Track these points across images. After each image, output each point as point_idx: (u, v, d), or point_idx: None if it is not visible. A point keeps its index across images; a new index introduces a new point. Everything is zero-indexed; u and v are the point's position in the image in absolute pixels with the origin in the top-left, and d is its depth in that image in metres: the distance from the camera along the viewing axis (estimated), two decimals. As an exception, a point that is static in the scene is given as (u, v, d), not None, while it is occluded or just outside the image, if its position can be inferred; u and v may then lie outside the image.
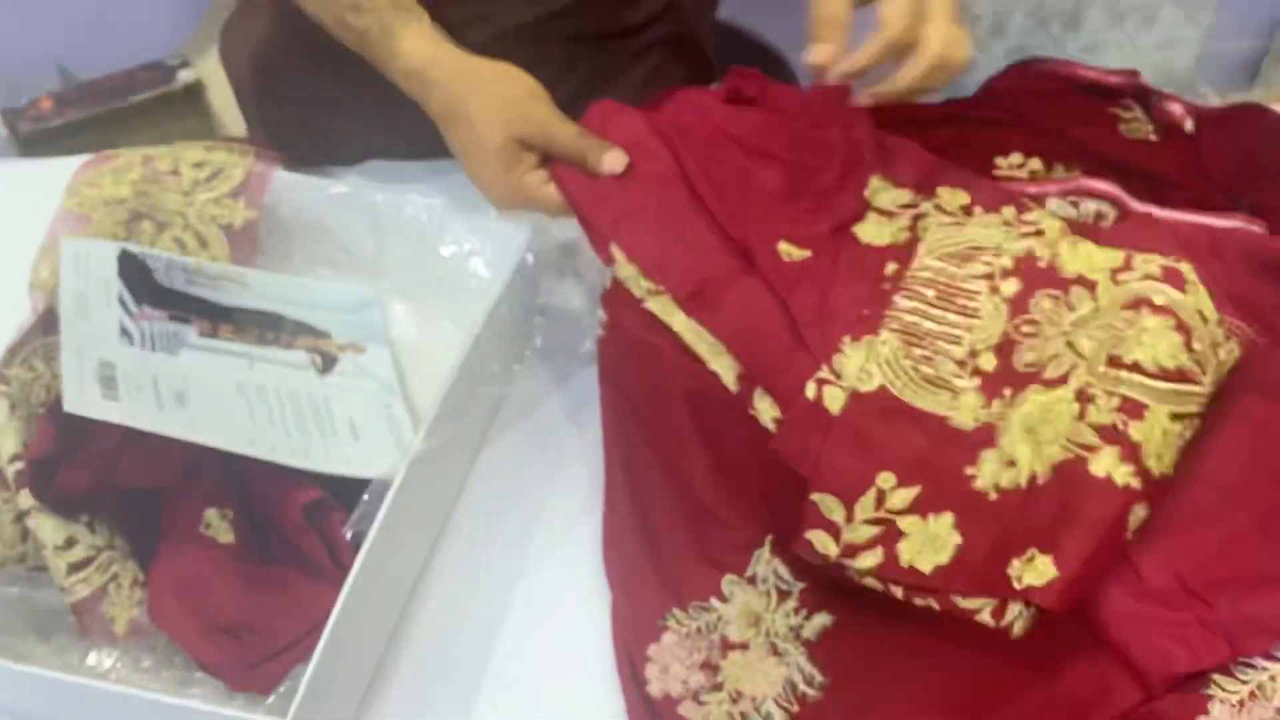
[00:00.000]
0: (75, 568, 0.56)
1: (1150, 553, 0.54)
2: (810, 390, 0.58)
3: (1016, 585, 0.51)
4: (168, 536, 0.56)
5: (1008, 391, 0.56)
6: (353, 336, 0.69)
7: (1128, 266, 0.59)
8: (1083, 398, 0.55)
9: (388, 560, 0.56)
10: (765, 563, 0.60)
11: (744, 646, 0.58)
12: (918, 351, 0.58)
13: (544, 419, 0.70)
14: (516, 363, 0.69)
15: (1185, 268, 0.58)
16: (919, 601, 0.53)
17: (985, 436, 0.55)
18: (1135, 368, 0.55)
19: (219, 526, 0.56)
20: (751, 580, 0.59)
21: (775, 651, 0.58)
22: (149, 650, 0.57)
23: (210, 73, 1.69)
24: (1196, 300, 0.57)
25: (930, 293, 0.60)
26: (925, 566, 0.53)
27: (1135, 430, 0.53)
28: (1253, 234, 0.68)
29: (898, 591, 0.53)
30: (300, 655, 0.54)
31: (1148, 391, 0.54)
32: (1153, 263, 0.59)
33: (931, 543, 0.53)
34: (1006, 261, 0.60)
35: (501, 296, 0.65)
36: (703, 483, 0.61)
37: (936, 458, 0.55)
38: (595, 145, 0.66)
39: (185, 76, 1.64)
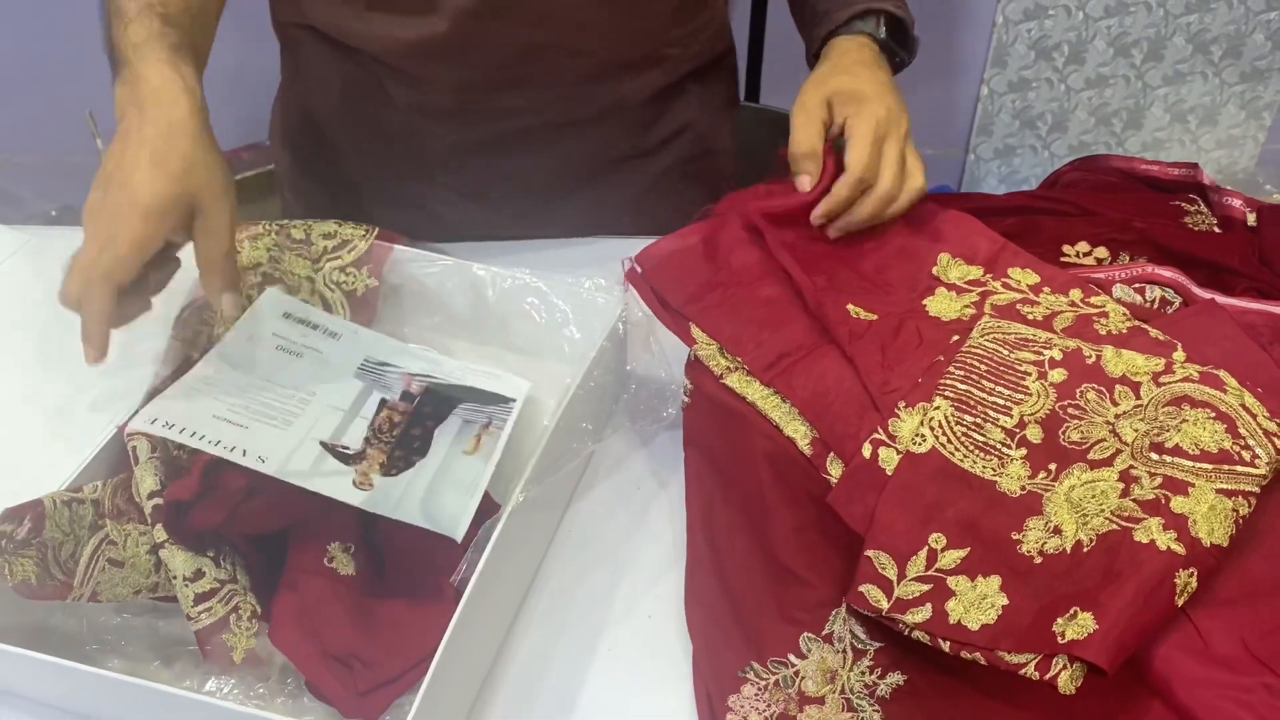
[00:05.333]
0: (201, 598, 0.60)
1: (1217, 620, 0.56)
2: (866, 450, 0.62)
3: (1060, 640, 0.53)
4: (295, 566, 0.61)
5: (1053, 466, 0.60)
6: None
7: (1168, 370, 0.63)
8: (1126, 478, 0.59)
9: (488, 601, 0.60)
10: (842, 622, 0.62)
11: (820, 701, 0.60)
12: (969, 418, 0.62)
13: (629, 477, 0.74)
14: (605, 424, 0.74)
15: (1223, 374, 0.62)
16: (965, 655, 0.55)
17: (1031, 504, 0.59)
18: (1176, 451, 0.59)
19: (341, 559, 0.60)
20: (828, 638, 0.62)
21: (850, 707, 0.60)
22: (262, 679, 0.61)
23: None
24: (1238, 397, 0.61)
25: (983, 366, 0.64)
26: (972, 624, 0.55)
27: (1178, 504, 0.57)
28: (1315, 321, 0.71)
29: (944, 645, 0.56)
30: (404, 687, 0.58)
31: (1190, 471, 0.58)
32: (1191, 368, 0.63)
33: (979, 603, 0.56)
34: (1055, 353, 0.65)
35: (595, 361, 0.70)
36: (783, 543, 0.65)
37: (985, 522, 0.58)
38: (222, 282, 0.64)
39: (285, 157, 1.77)
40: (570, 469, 0.70)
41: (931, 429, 0.62)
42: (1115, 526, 0.57)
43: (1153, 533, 0.56)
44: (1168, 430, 0.60)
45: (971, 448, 0.61)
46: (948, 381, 0.64)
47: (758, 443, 0.67)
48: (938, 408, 0.62)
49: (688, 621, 0.65)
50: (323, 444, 0.65)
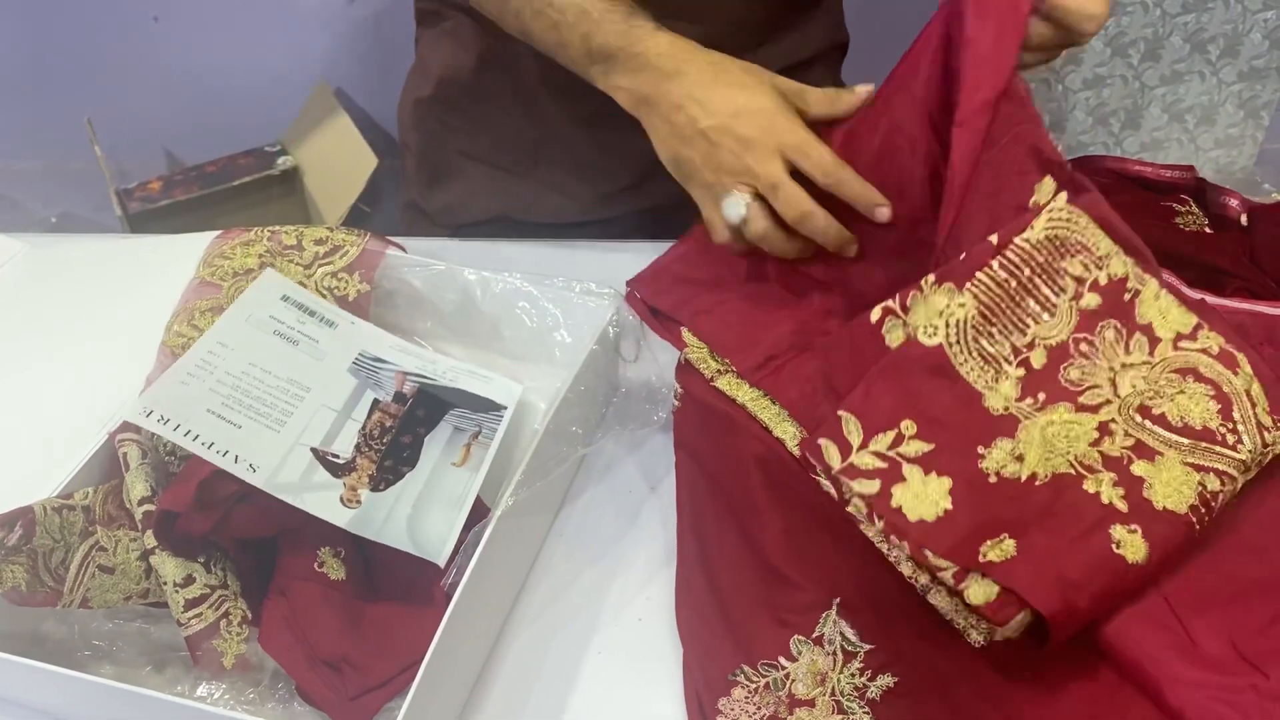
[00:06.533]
0: (192, 604, 0.60)
1: (1205, 621, 0.56)
2: (875, 314, 0.61)
3: (980, 559, 0.54)
4: (285, 572, 0.61)
5: (1042, 395, 0.59)
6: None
7: (1193, 336, 0.62)
8: (1103, 429, 0.59)
9: (478, 605, 0.60)
10: (832, 624, 0.62)
11: (810, 704, 0.60)
12: (986, 326, 0.60)
13: (620, 480, 0.74)
14: (596, 427, 0.74)
15: (1242, 357, 0.61)
16: (894, 540, 0.56)
17: (1006, 426, 0.59)
18: (1160, 420, 0.59)
19: (331, 564, 0.61)
20: (819, 641, 0.62)
21: (840, 710, 0.60)
22: (253, 684, 0.61)
23: (306, 159, 1.81)
24: (1246, 383, 0.60)
25: (1026, 271, 0.60)
26: (911, 515, 0.56)
27: (1139, 467, 0.57)
28: (1306, 322, 0.71)
29: (878, 524, 0.56)
30: (394, 691, 0.59)
31: (1163, 442, 0.58)
32: (1214, 341, 0.62)
33: (924, 498, 0.56)
34: (1103, 276, 0.62)
35: (585, 364, 0.70)
36: (773, 546, 0.65)
37: (958, 427, 0.58)
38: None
39: (283, 163, 1.77)
40: (561, 472, 0.70)
41: (947, 324, 0.60)
42: (1071, 471, 0.57)
43: (1101, 485, 0.56)
44: (1161, 397, 0.60)
45: (976, 354, 0.60)
46: (984, 275, 0.60)
47: (747, 445, 0.67)
48: (962, 305, 0.60)
49: (678, 624, 0.65)
50: (313, 450, 0.65)
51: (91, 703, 0.59)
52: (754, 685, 0.61)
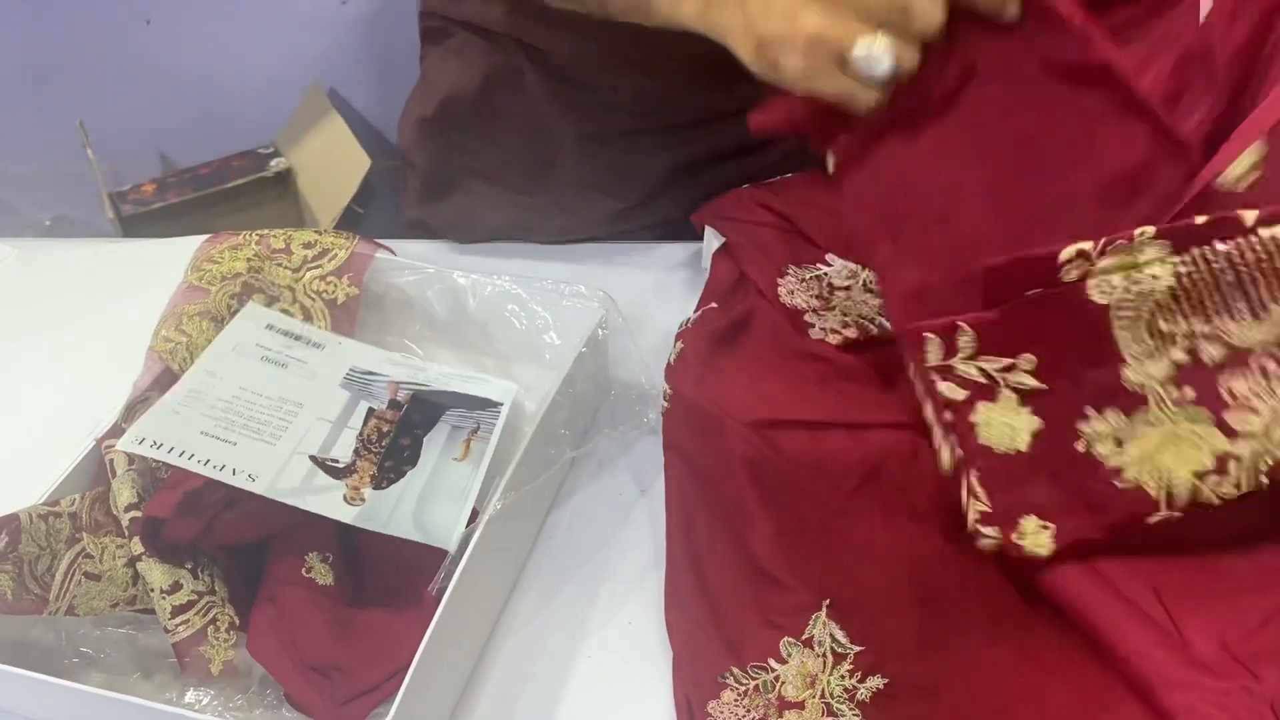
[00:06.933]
0: (179, 610, 0.60)
1: (1196, 619, 0.55)
2: (1068, 253, 0.51)
3: (1012, 538, 0.54)
4: (273, 577, 0.61)
5: (1190, 391, 0.52)
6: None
7: None
8: (1221, 465, 0.52)
9: (466, 609, 0.60)
10: (822, 626, 0.62)
11: (800, 706, 0.60)
12: (1172, 303, 0.52)
13: (610, 483, 0.74)
14: (585, 429, 0.74)
15: None
16: (950, 451, 0.54)
17: (1130, 402, 0.52)
18: None
19: (319, 569, 0.61)
20: (808, 643, 0.62)
21: (830, 712, 0.60)
22: (241, 690, 0.61)
23: (300, 161, 1.80)
24: None
25: (1254, 270, 0.50)
26: (981, 438, 0.53)
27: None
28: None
29: (947, 415, 0.53)
30: (382, 697, 0.58)
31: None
32: None
33: (1006, 428, 0.53)
34: None
35: (575, 366, 0.70)
36: (763, 548, 0.64)
37: (1079, 381, 0.53)
38: None
39: (277, 164, 1.76)
40: (550, 475, 0.70)
41: (1128, 290, 0.51)
42: (1151, 494, 0.53)
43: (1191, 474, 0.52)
44: None
45: (1143, 325, 0.52)
46: (1206, 252, 0.50)
47: (737, 446, 0.67)
48: (1157, 276, 0.51)
49: (667, 627, 0.65)
50: (312, 458, 0.65)
51: (79, 710, 0.59)
52: (743, 687, 0.61)
